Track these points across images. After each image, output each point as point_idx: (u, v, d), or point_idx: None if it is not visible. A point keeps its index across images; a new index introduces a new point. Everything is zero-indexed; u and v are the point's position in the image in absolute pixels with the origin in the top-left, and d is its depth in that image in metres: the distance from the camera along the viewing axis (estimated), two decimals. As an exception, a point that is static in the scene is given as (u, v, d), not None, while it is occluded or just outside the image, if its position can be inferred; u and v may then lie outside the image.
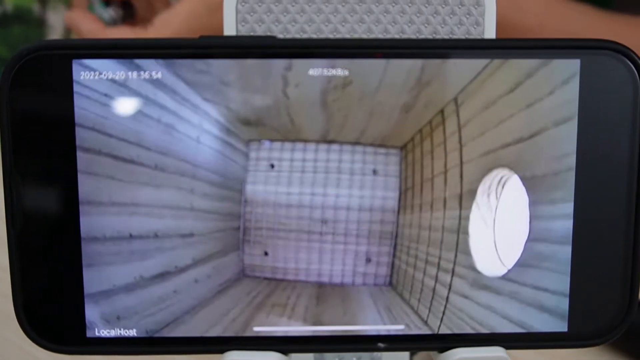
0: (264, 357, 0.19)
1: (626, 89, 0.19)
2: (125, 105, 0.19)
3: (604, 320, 0.20)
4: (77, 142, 0.19)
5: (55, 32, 0.46)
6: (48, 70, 0.19)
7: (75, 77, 0.19)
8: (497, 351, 0.20)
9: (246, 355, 0.19)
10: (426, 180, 0.18)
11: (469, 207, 0.19)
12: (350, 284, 0.19)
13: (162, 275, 0.19)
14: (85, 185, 0.19)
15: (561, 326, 0.20)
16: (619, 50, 0.19)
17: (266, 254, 0.19)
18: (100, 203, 0.19)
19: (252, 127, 0.18)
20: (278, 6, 0.20)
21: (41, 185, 0.19)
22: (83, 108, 0.19)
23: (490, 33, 0.20)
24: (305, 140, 0.18)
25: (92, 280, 0.19)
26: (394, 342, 0.20)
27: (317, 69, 0.19)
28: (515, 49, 0.19)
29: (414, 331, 0.20)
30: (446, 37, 0.20)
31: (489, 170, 0.19)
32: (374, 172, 0.18)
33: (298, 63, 0.18)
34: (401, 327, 0.20)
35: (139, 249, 0.19)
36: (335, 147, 0.18)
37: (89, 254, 0.19)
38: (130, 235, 0.19)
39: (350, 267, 0.19)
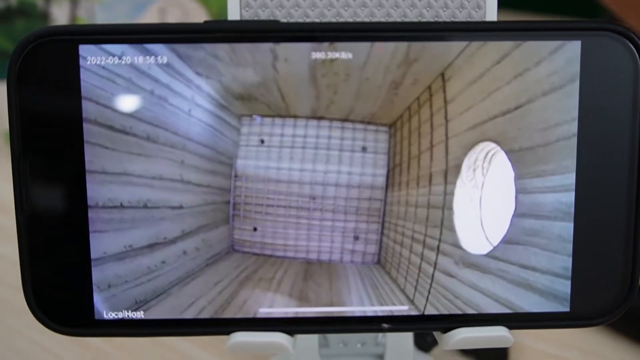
0: (270, 337, 0.20)
1: (627, 70, 0.19)
2: (128, 85, 0.19)
3: (605, 301, 0.20)
4: (85, 128, 0.19)
5: (58, 26, 0.47)
6: (54, 56, 0.19)
7: (81, 61, 0.19)
8: (500, 331, 0.20)
9: (252, 336, 0.20)
10: (413, 157, 0.19)
11: (454, 183, 0.19)
12: (338, 261, 0.19)
13: (151, 246, 0.19)
14: (93, 168, 0.19)
15: (563, 306, 0.20)
16: (620, 31, 0.19)
17: (255, 229, 0.19)
18: (108, 184, 0.19)
19: (243, 102, 0.18)
20: (281, -9, 0.20)
21: (49, 171, 0.19)
22: (90, 92, 0.19)
23: (491, 16, 0.21)
24: (295, 116, 0.18)
25: (101, 261, 0.20)
26: (398, 322, 0.20)
27: (321, 53, 0.19)
28: (517, 31, 0.19)
29: (416, 312, 0.20)
30: (447, 20, 0.21)
31: (473, 144, 0.19)
32: (363, 149, 0.18)
33: (314, 46, 0.19)
34: (405, 307, 0.20)
35: (129, 219, 0.19)
36: (324, 123, 0.18)
37: (97, 234, 0.19)
38: (122, 205, 0.19)
39: (339, 244, 0.19)
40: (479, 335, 0.20)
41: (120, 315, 0.20)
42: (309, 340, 0.25)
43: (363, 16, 0.21)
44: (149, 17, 0.50)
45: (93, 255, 0.20)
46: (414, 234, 0.19)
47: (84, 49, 0.19)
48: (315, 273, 0.19)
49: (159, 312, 0.20)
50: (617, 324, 0.33)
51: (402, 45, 0.19)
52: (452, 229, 0.19)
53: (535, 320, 0.20)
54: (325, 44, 0.19)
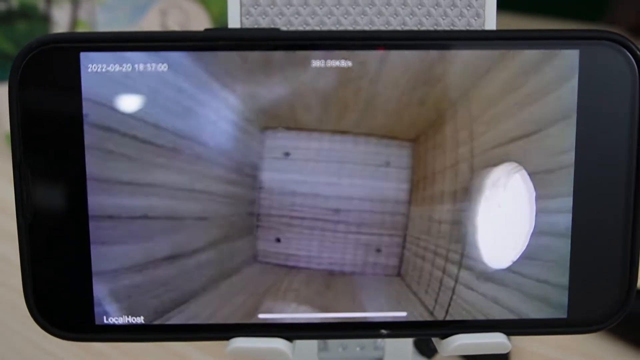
0: (269, 343, 0.20)
1: (625, 79, 0.19)
2: (133, 95, 0.19)
3: (603, 308, 0.20)
4: (85, 134, 0.19)
5: (60, 29, 0.47)
6: (56, 63, 0.19)
7: (82, 68, 0.19)
8: (498, 337, 0.20)
9: (251, 342, 0.20)
10: (437, 172, 0.19)
11: (477, 201, 0.19)
12: (360, 273, 0.19)
13: (174, 258, 0.19)
14: (94, 173, 0.19)
15: (561, 313, 0.20)
16: (618, 40, 0.19)
17: (279, 240, 0.19)
18: (108, 190, 0.19)
19: (268, 115, 0.18)
20: (281, -1, 0.21)
21: (50, 176, 0.19)
22: (91, 99, 0.19)
23: (490, 24, 0.21)
24: (320, 130, 0.18)
25: (102, 268, 0.20)
26: (396, 328, 0.20)
27: (321, 61, 0.19)
28: (515, 40, 0.19)
29: (417, 318, 0.20)
30: (447, 28, 0.21)
31: (496, 164, 0.19)
32: (387, 163, 0.18)
33: (314, 54, 0.19)
34: (403, 314, 0.20)
35: (152, 230, 0.19)
36: (349, 137, 0.18)
37: (98, 241, 0.20)
38: (145, 216, 0.19)
39: (361, 256, 0.19)
40: (477, 341, 0.20)
41: (121, 320, 0.20)
42: (309, 344, 0.25)
43: (363, 24, 0.21)
44: (150, 18, 0.50)
45: (94, 260, 0.20)
46: (436, 248, 0.19)
47: (85, 57, 0.19)
48: (336, 284, 0.19)
49: (170, 320, 0.20)
50: (617, 329, 0.33)
51: (427, 62, 0.19)
52: (474, 245, 0.19)
53: (533, 327, 0.20)
54: (342, 61, 0.19)
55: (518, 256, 0.20)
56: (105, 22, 0.48)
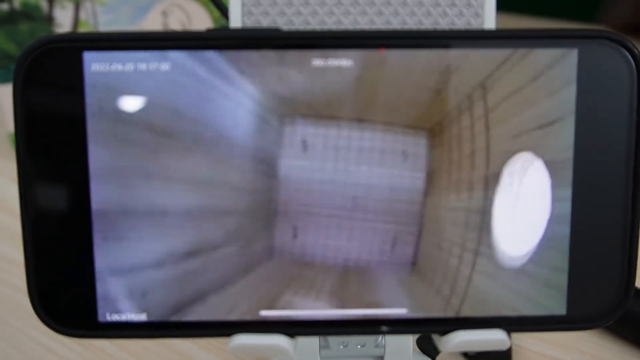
0: (271, 340, 0.20)
1: (623, 77, 0.19)
2: (136, 94, 0.19)
3: (601, 304, 0.20)
4: (89, 132, 0.19)
5: (62, 29, 0.47)
6: (59, 62, 0.19)
7: (86, 68, 0.19)
8: (498, 334, 0.20)
9: (253, 339, 0.20)
10: (453, 162, 0.19)
11: (493, 190, 0.19)
12: (376, 263, 0.19)
13: (191, 253, 0.19)
14: (97, 171, 0.20)
15: (560, 309, 0.20)
16: (616, 39, 0.20)
17: (296, 231, 0.19)
18: (112, 188, 0.20)
19: (285, 104, 0.18)
20: (283, -1, 0.21)
21: (54, 175, 0.20)
22: (94, 97, 0.19)
23: (489, 24, 0.21)
24: (338, 119, 0.18)
25: (105, 264, 0.20)
26: (397, 325, 0.20)
27: (322, 60, 0.19)
28: (513, 39, 0.20)
29: (417, 315, 0.20)
30: (447, 27, 0.21)
31: (513, 154, 0.19)
32: (403, 153, 0.18)
33: (315, 53, 0.19)
34: (404, 310, 0.20)
35: (161, 227, 0.19)
36: (366, 126, 0.18)
37: (101, 239, 0.20)
38: (152, 212, 0.19)
39: (377, 246, 0.19)
40: (477, 338, 0.20)
41: (124, 317, 0.20)
42: (310, 341, 0.25)
43: (363, 23, 0.21)
44: (152, 18, 0.50)
45: (97, 258, 0.20)
46: (452, 238, 0.19)
47: (88, 56, 0.19)
48: (353, 275, 0.19)
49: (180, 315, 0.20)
50: (615, 326, 0.33)
51: (439, 54, 0.19)
52: (490, 233, 0.19)
53: (532, 324, 0.21)
54: (342, 60, 0.19)
55: (531, 249, 0.20)
56: (107, 23, 0.49)
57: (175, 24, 0.51)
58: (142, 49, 0.19)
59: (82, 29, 0.48)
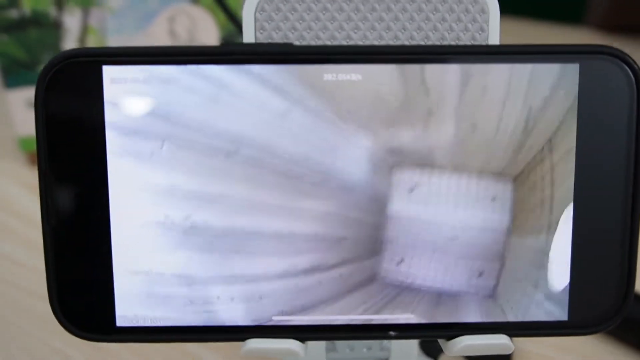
0: (283, 344, 0.21)
1: (624, 92, 0.20)
2: (155, 107, 0.20)
3: (602, 310, 0.21)
4: (108, 144, 0.20)
5: (70, 35, 0.48)
6: (80, 76, 0.20)
7: (105, 82, 0.20)
8: (501, 338, 0.21)
9: (266, 343, 0.21)
10: (532, 207, 0.21)
11: (556, 230, 0.21)
12: (463, 293, 0.22)
13: (310, 270, 0.21)
14: (115, 181, 0.20)
15: (561, 315, 0.21)
16: (616, 55, 0.20)
17: (399, 260, 0.21)
18: (130, 194, 0.20)
19: (396, 155, 0.21)
20: (294, 14, 0.21)
21: (74, 184, 0.20)
22: (114, 111, 0.20)
23: (494, 39, 0.22)
24: (440, 168, 0.21)
25: (123, 269, 0.21)
26: (404, 330, 0.21)
27: (333, 75, 0.20)
28: (517, 54, 0.20)
29: (424, 320, 0.21)
30: (452, 42, 0.22)
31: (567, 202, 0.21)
32: (493, 198, 0.21)
33: (326, 69, 0.20)
34: (411, 316, 0.21)
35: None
36: (463, 174, 0.21)
37: (120, 244, 0.21)
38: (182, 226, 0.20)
39: (466, 279, 0.21)
40: (481, 342, 0.21)
41: (141, 322, 0.21)
42: (317, 346, 0.26)
43: (372, 39, 0.22)
44: (159, 24, 0.51)
45: (116, 264, 0.21)
46: (524, 273, 0.21)
47: (107, 70, 0.20)
48: (443, 301, 0.22)
49: None
50: (616, 331, 0.34)
51: (526, 109, 0.21)
52: (553, 269, 0.21)
53: (535, 329, 0.21)
54: (352, 74, 0.20)
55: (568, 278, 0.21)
56: (115, 29, 0.49)
57: (181, 30, 0.52)
58: (157, 64, 0.20)
59: (91, 35, 0.49)
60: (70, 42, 0.48)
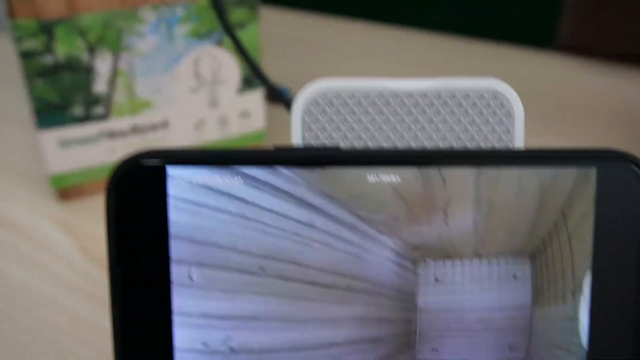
0: None
1: (638, 195, 0.22)
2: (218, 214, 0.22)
3: None
4: (172, 251, 0.22)
5: (101, 78, 0.50)
6: (146, 177, 0.22)
7: (169, 183, 0.22)
8: None
9: None
10: (550, 280, 0.23)
11: (579, 299, 0.23)
12: None
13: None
14: (179, 279, 0.23)
15: None
16: (632, 160, 0.22)
17: (434, 349, 0.23)
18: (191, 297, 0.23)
19: (419, 250, 0.23)
20: (338, 116, 0.24)
21: (140, 280, 0.22)
22: (178, 215, 0.22)
23: (519, 141, 0.24)
24: (462, 257, 0.23)
25: (184, 342, 0.23)
26: None
27: (375, 176, 0.22)
28: (538, 158, 0.22)
29: None
30: (481, 142, 0.24)
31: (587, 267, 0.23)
32: (514, 277, 0.23)
33: (369, 170, 0.22)
34: None
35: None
36: (484, 260, 0.23)
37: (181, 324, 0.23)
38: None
39: (497, 354, 0.23)
40: None
41: None
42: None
43: (408, 138, 0.24)
44: (185, 66, 0.53)
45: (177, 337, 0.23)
46: (553, 341, 0.23)
47: (171, 170, 0.22)
48: None
49: None
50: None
51: (539, 187, 0.23)
52: (579, 334, 0.23)
53: None
54: (392, 176, 0.22)
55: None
56: (144, 72, 0.51)
57: (206, 71, 0.54)
58: (216, 165, 0.22)
59: (120, 78, 0.51)
60: (100, 85, 0.50)
